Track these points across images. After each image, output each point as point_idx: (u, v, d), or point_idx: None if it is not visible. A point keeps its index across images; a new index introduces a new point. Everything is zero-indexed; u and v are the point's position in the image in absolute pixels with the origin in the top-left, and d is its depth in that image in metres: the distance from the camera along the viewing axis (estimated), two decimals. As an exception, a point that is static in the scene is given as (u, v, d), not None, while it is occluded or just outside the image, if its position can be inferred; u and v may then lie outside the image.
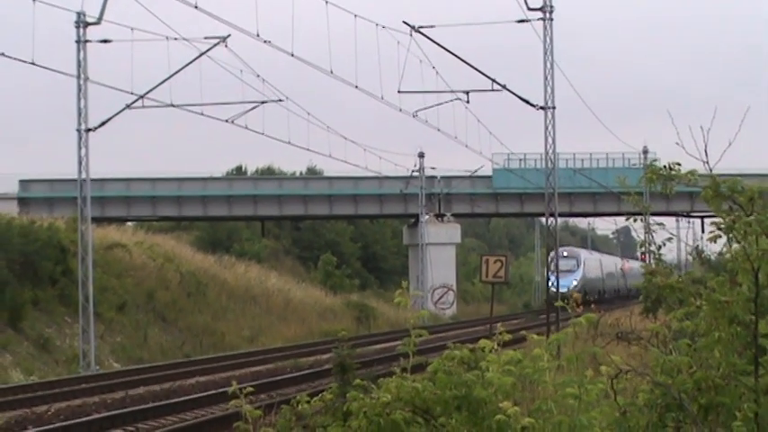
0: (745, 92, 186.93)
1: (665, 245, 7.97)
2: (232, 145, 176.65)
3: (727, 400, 6.56)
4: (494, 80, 40.88)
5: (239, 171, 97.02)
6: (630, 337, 18.60)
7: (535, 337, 6.74)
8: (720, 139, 7.68)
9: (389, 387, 6.54)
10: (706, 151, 7.30)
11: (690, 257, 71.68)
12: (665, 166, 7.22)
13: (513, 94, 40.70)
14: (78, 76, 37.42)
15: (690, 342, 6.90)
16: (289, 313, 58.72)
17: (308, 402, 8.45)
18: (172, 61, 38.71)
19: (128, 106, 38.75)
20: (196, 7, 31.99)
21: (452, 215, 76.65)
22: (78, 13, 37.25)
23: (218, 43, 37.32)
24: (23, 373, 35.04)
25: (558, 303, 7.16)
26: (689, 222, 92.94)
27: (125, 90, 38.02)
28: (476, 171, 72.01)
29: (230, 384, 7.80)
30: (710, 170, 7.21)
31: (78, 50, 37.29)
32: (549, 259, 42.86)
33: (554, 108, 39.98)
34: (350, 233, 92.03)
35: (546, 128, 40.07)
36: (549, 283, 42.30)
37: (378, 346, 42.46)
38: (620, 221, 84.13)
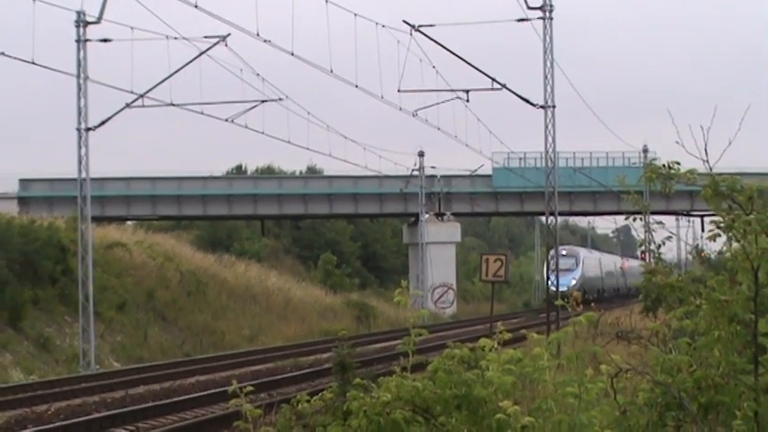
0: (745, 92, 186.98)
1: (664, 244, 7.98)
2: (232, 144, 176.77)
3: (727, 398, 6.56)
4: (494, 79, 40.91)
5: (239, 170, 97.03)
6: (630, 336, 18.60)
7: (535, 336, 6.75)
8: (720, 139, 7.69)
9: (389, 386, 6.54)
10: (706, 150, 7.30)
11: (690, 256, 71.74)
12: (664, 165, 7.22)
13: (513, 93, 40.74)
14: (78, 76, 37.42)
15: (690, 341, 6.91)
16: (289, 312, 58.73)
17: (308, 401, 8.45)
18: (172, 60, 38.78)
19: (128, 105, 38.75)
20: (196, 6, 32.00)
21: (452, 214, 76.64)
22: (78, 13, 37.25)
23: (217, 42, 37.33)
24: (23, 373, 35.05)
25: (559, 302, 7.16)
26: (689, 221, 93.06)
27: (125, 89, 38.07)
28: (476, 170, 72.02)
29: (230, 383, 7.80)
30: (710, 169, 7.21)
31: (78, 50, 37.29)
32: (549, 258, 42.85)
33: (554, 107, 40.00)
34: (350, 232, 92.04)
35: (546, 127, 40.09)
36: (548, 282, 42.28)
37: (378, 346, 42.48)
38: (620, 220, 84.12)
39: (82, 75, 37.38)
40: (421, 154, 71.50)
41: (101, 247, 48.31)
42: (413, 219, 76.15)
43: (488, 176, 75.40)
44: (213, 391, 26.64)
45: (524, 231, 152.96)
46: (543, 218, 47.71)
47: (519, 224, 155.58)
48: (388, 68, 40.46)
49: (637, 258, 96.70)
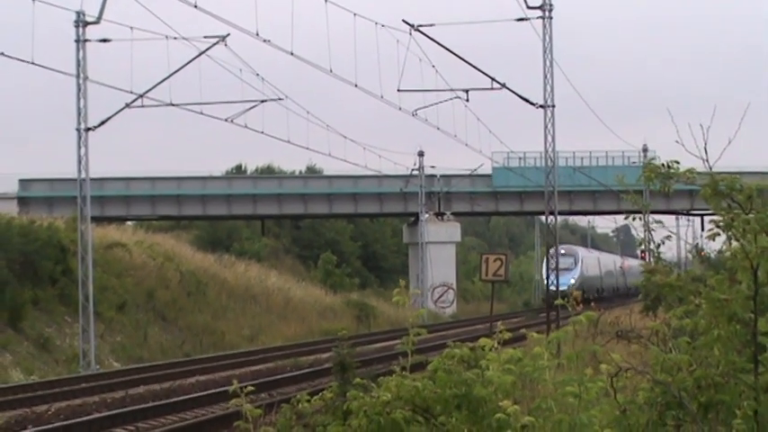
0: (745, 91, 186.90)
1: (664, 243, 7.98)
2: (232, 144, 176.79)
3: (726, 397, 6.56)
4: (493, 79, 40.92)
5: (239, 170, 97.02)
6: (630, 336, 18.59)
7: (535, 335, 6.75)
8: (720, 138, 7.70)
9: (389, 386, 6.55)
10: (706, 149, 7.31)
11: (690, 255, 71.73)
12: (663, 165, 7.23)
13: (513, 92, 40.74)
14: (78, 76, 37.42)
15: (689, 340, 6.91)
16: (289, 312, 58.73)
17: (309, 401, 8.46)
18: (171, 60, 38.78)
19: (127, 105, 38.75)
20: (196, 6, 32.00)
21: (452, 214, 76.63)
22: (78, 13, 37.24)
23: (217, 42, 37.33)
24: (23, 373, 35.05)
25: (559, 302, 7.17)
26: (689, 220, 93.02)
27: (124, 89, 38.06)
28: (475, 169, 72.00)
29: (230, 383, 7.81)
30: (710, 168, 7.22)
31: (78, 50, 37.29)
32: (548, 257, 42.86)
33: (554, 106, 40.01)
34: (350, 232, 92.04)
35: (546, 126, 40.10)
36: (547, 282, 42.29)
37: (378, 345, 42.48)
38: (620, 220, 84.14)
39: (81, 75, 37.38)
40: (421, 153, 71.52)
41: (101, 247, 48.31)
42: (413, 218, 76.15)
43: (488, 176, 75.39)
44: (213, 391, 26.65)
45: (524, 231, 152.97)
46: (543, 217, 47.72)
47: (519, 224, 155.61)
48: (388, 68, 40.48)
49: (637, 258, 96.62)
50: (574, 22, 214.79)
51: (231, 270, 61.32)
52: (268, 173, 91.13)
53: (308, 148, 50.70)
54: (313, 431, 8.87)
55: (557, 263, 41.90)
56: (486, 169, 72.86)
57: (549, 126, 40.04)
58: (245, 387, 7.73)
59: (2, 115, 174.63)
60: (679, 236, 74.80)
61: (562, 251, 73.06)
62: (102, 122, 38.41)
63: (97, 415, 23.46)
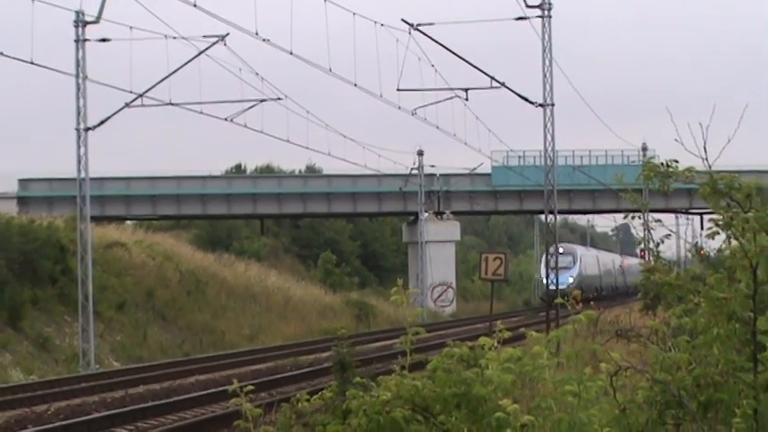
0: (745, 91, 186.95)
1: (663, 242, 7.99)
2: (231, 143, 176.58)
3: (726, 396, 6.56)
4: (493, 78, 40.94)
5: (238, 169, 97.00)
6: (630, 335, 18.61)
7: (534, 334, 6.75)
8: (720, 137, 7.70)
9: (389, 385, 6.55)
10: (705, 148, 7.31)
11: (689, 254, 71.74)
12: (662, 164, 7.23)
13: (512, 91, 40.77)
14: (77, 75, 37.42)
15: (689, 339, 6.92)
16: (288, 311, 58.73)
17: (308, 400, 8.46)
18: (171, 60, 38.76)
19: (127, 105, 38.76)
20: (195, 6, 32.00)
21: (452, 213, 76.62)
22: (77, 12, 37.24)
23: (216, 42, 37.34)
24: (23, 373, 35.05)
25: (558, 300, 7.17)
26: (688, 219, 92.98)
27: (124, 89, 38.06)
28: (475, 169, 72.02)
29: (230, 383, 7.81)
30: (709, 167, 7.22)
31: (77, 49, 37.29)
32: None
33: (553, 105, 40.03)
34: (349, 231, 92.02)
35: (545, 125, 40.11)
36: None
37: (377, 344, 42.48)
38: (620, 218, 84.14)
39: (81, 74, 37.38)
40: (420, 153, 71.52)
41: (100, 246, 48.30)
42: (412, 217, 76.15)
43: (487, 175, 75.39)
44: (213, 390, 26.66)
45: (524, 230, 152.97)
46: (542, 216, 47.72)
47: (518, 222, 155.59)
48: (387, 67, 40.48)
49: (636, 256, 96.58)
50: (574, 21, 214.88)
51: (231, 269, 61.33)
52: (267, 172, 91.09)
53: (307, 148, 50.73)
54: (313, 430, 8.87)
55: (556, 262, 41.91)
56: (486, 168, 72.88)
57: (549, 125, 40.05)
58: (245, 386, 7.73)
59: (1, 115, 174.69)
60: (678, 234, 74.80)
61: (560, 250, 73.07)
62: (102, 122, 38.41)
63: (97, 414, 23.46)
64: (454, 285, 75.61)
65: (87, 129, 37.82)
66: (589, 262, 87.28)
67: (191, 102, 41.38)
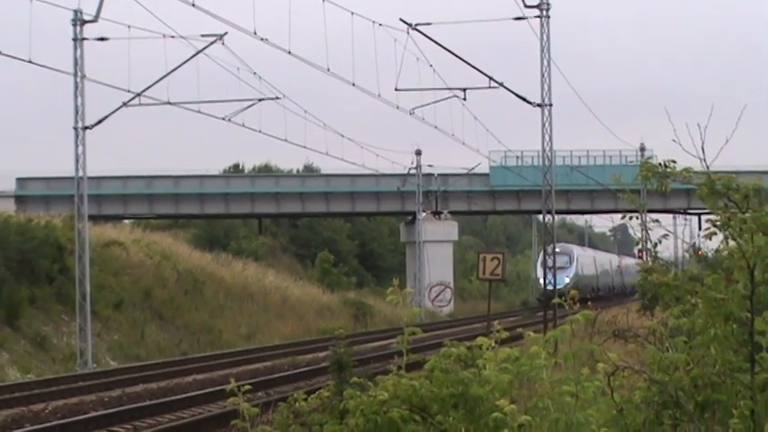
0: (745, 91, 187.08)
1: (661, 242, 7.99)
2: (229, 143, 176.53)
3: (723, 397, 6.57)
4: (491, 78, 40.95)
5: (236, 169, 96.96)
6: (627, 335, 18.62)
7: (532, 334, 6.75)
8: (719, 138, 7.70)
9: (386, 385, 6.55)
10: (703, 148, 7.31)
11: (687, 254, 71.72)
12: (660, 164, 7.23)
13: (510, 91, 40.77)
14: (75, 74, 37.41)
15: (686, 339, 6.92)
16: (286, 311, 58.73)
17: (306, 400, 8.46)
18: (169, 59, 38.60)
19: (125, 104, 38.76)
20: (193, 5, 31.99)
21: (450, 212, 76.62)
22: (75, 11, 37.23)
23: (215, 41, 37.34)
24: (20, 372, 35.04)
25: (556, 300, 7.17)
26: (686, 219, 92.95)
27: (122, 88, 38.04)
28: (473, 168, 72.03)
29: (227, 382, 7.81)
30: (707, 167, 7.22)
31: (75, 48, 37.28)
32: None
33: (551, 105, 40.03)
34: (347, 231, 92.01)
35: (543, 125, 40.11)
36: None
37: (375, 344, 42.48)
38: (617, 219, 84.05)
39: (79, 73, 37.37)
40: (418, 152, 71.52)
41: (98, 245, 48.28)
42: (410, 217, 76.16)
43: (485, 175, 75.40)
44: (210, 389, 26.65)
45: (521, 230, 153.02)
46: (540, 216, 47.72)
47: (516, 222, 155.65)
48: (386, 67, 40.50)
49: (634, 257, 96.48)
50: (574, 21, 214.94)
51: (228, 269, 61.31)
52: (265, 172, 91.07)
53: (305, 147, 50.72)
54: (310, 430, 8.87)
55: (554, 262, 41.90)
56: (484, 168, 72.88)
57: (547, 125, 40.05)
58: (243, 386, 7.73)
59: (0, 114, 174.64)
60: (676, 235, 74.70)
61: (557, 250, 73.06)
62: (100, 121, 38.40)
63: (94, 413, 23.46)
64: (452, 285, 75.60)
65: (85, 128, 37.81)
66: (586, 262, 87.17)
67: (189, 101, 41.41)
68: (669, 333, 7.26)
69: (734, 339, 6.68)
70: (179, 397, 25.97)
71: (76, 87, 37.45)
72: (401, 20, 39.11)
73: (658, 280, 7.27)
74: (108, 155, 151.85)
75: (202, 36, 37.77)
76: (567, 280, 73.98)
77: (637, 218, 8.19)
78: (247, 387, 7.79)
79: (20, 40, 41.39)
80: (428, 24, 39.66)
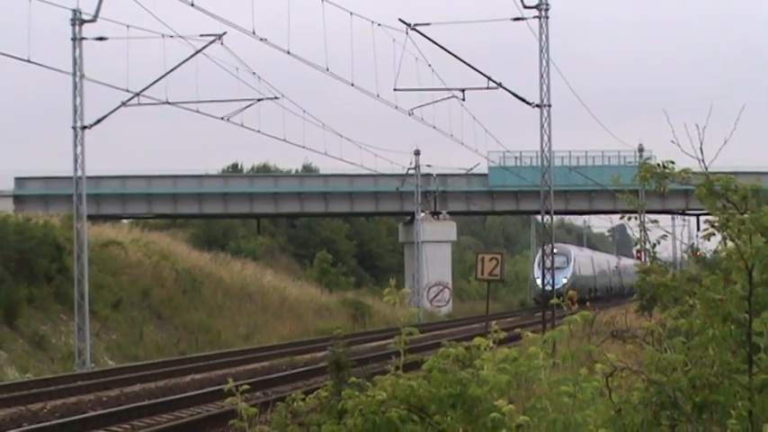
0: (746, 91, 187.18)
1: (659, 243, 7.99)
2: (228, 142, 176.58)
3: (721, 398, 6.57)
4: (489, 78, 40.95)
5: (235, 168, 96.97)
6: (625, 336, 18.64)
7: (530, 335, 6.75)
8: (718, 138, 7.70)
9: (384, 385, 6.55)
10: (701, 149, 7.31)
11: (685, 255, 71.72)
12: (658, 165, 7.24)
13: (509, 91, 40.76)
14: (74, 74, 37.41)
15: (684, 340, 6.92)
16: (284, 311, 58.73)
17: (304, 400, 8.46)
18: (167, 59, 38.59)
19: (123, 104, 38.75)
20: (192, 5, 31.99)
21: (448, 213, 76.60)
22: (74, 11, 37.23)
23: (213, 41, 37.34)
24: (19, 371, 35.03)
25: (554, 301, 7.16)
26: (684, 220, 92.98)
27: (121, 87, 38.02)
28: (471, 169, 72.01)
29: (226, 382, 7.80)
30: (706, 168, 7.22)
31: (74, 48, 37.28)
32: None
33: (550, 106, 40.03)
34: (345, 231, 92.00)
35: (542, 126, 40.10)
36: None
37: (373, 344, 42.47)
38: (616, 219, 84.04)
39: (78, 73, 37.37)
40: (417, 152, 71.53)
41: (96, 245, 48.27)
42: (408, 217, 76.14)
43: (484, 175, 75.40)
44: (209, 389, 26.64)
45: (520, 230, 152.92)
46: (539, 217, 47.73)
47: (515, 223, 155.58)
48: (384, 67, 40.65)
49: (632, 257, 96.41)
50: (574, 21, 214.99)
51: (227, 268, 61.31)
52: (264, 171, 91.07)
53: (304, 147, 50.72)
54: (308, 430, 8.87)
55: (552, 262, 41.89)
56: (483, 168, 72.86)
57: (546, 125, 40.05)
58: (241, 386, 7.73)
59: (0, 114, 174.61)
60: (674, 236, 74.71)
61: (554, 250, 72.95)
62: (99, 120, 38.39)
63: (92, 413, 23.45)
64: (450, 285, 75.60)
65: (84, 127, 37.80)
66: (583, 262, 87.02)
67: (187, 101, 41.38)
68: (667, 334, 7.26)
69: (732, 340, 6.68)
70: (177, 397, 25.96)
71: (75, 87, 37.46)
72: (400, 20, 39.14)
73: (657, 281, 7.27)
74: (107, 154, 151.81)
75: (201, 36, 37.80)
76: (565, 280, 73.82)
77: (635, 218, 8.20)
78: (245, 387, 7.78)
79: (19, 40, 41.44)
80: (427, 25, 39.68)
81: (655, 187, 7.30)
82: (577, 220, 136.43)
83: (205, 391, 26.52)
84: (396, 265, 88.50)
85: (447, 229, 76.16)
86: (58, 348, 39.54)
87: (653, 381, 6.66)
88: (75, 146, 37.82)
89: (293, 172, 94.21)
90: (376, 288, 78.81)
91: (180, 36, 37.28)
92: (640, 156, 67.54)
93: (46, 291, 42.56)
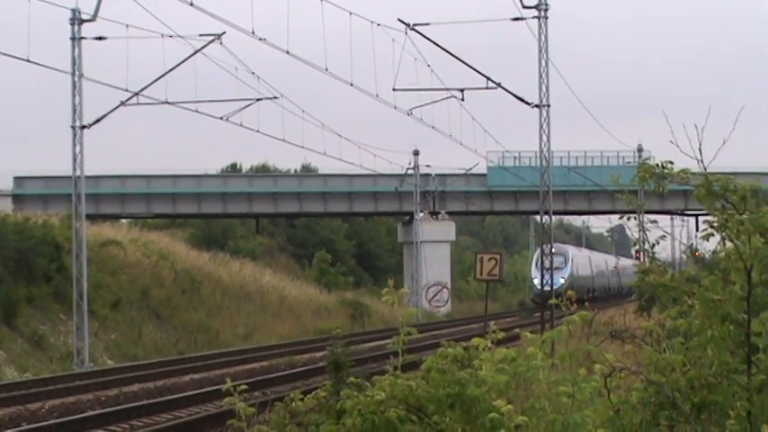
0: (745, 91, 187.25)
1: (658, 243, 7.99)
2: (227, 142, 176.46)
3: (720, 398, 6.57)
4: (489, 78, 40.94)
5: (234, 168, 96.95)
6: (624, 336, 18.63)
7: (529, 335, 6.75)
8: (718, 138, 7.70)
9: (383, 385, 6.55)
10: (700, 150, 7.31)
11: (684, 256, 71.70)
12: (657, 165, 7.23)
13: (508, 92, 40.76)
14: (73, 73, 37.40)
15: (683, 341, 6.92)
16: (283, 311, 58.71)
17: (302, 400, 8.46)
18: (167, 58, 38.58)
19: (122, 103, 38.74)
20: (191, 5, 31.99)
21: (447, 213, 76.61)
22: (73, 11, 37.23)
23: (213, 40, 37.33)
24: (17, 371, 35.03)
25: (553, 301, 7.16)
26: (683, 221, 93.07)
27: (120, 87, 38.02)
28: (470, 169, 72.02)
29: (225, 382, 7.80)
30: (704, 168, 7.22)
31: (73, 47, 37.28)
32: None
33: (549, 106, 40.02)
34: (344, 231, 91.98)
35: (541, 126, 40.10)
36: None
37: (372, 344, 42.47)
38: (615, 219, 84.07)
39: (77, 72, 37.36)
40: (416, 152, 71.54)
41: (95, 244, 48.26)
42: (407, 217, 76.15)
43: (483, 175, 75.40)
44: (207, 389, 26.64)
45: (519, 230, 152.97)
46: (538, 217, 47.73)
47: (514, 223, 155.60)
48: (383, 67, 40.72)
49: (631, 257, 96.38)
50: (573, 21, 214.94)
51: (226, 268, 61.29)
52: (263, 171, 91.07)
53: (303, 147, 50.71)
54: (306, 430, 8.87)
55: (551, 262, 41.90)
56: (481, 169, 72.87)
57: (545, 126, 40.05)
58: (239, 385, 7.72)
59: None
60: (673, 236, 74.86)
61: (552, 250, 72.81)
62: (98, 120, 38.39)
63: (91, 413, 23.45)
64: (449, 286, 75.61)
65: (83, 127, 37.80)
66: (581, 263, 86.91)
67: (186, 100, 41.38)
68: (666, 334, 7.26)
69: (731, 341, 6.68)
70: (176, 396, 25.96)
71: (74, 86, 37.45)
72: (399, 20, 39.13)
73: (655, 281, 7.27)
74: (106, 154, 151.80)
75: (200, 35, 37.80)
76: (562, 280, 73.68)
77: (634, 219, 8.20)
78: (244, 387, 7.78)
79: (18, 39, 41.42)
80: (426, 25, 39.67)
81: (654, 187, 7.30)
82: (576, 221, 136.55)
83: (204, 390, 26.52)
84: (395, 264, 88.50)
85: (446, 229, 76.17)
86: (57, 348, 39.53)
87: (651, 381, 6.66)
88: (74, 145, 37.82)
89: (292, 172, 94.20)
90: (375, 288, 78.81)
91: (179, 36, 37.31)
92: (639, 156, 67.57)
93: (45, 290, 42.56)
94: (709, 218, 6.93)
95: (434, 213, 75.65)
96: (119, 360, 40.76)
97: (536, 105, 40.02)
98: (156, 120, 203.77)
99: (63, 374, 33.16)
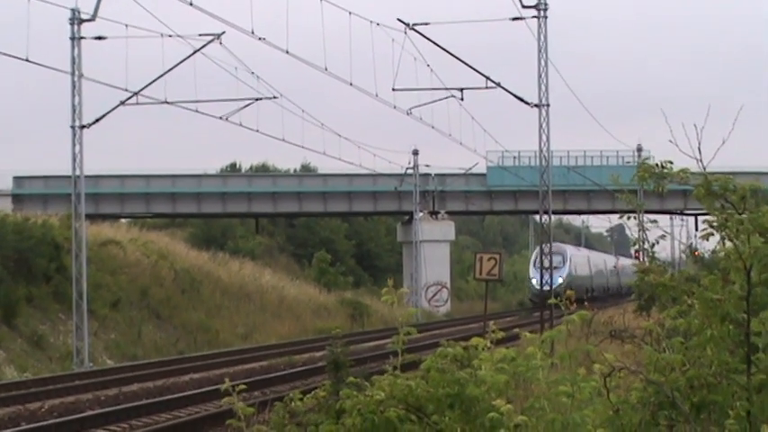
0: (745, 91, 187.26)
1: (658, 243, 8.00)
2: (226, 142, 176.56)
3: (719, 398, 6.56)
4: (488, 78, 40.97)
5: (233, 168, 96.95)
6: (624, 336, 18.62)
7: (528, 334, 6.74)
8: (717, 138, 7.70)
9: (383, 385, 6.54)
10: (699, 149, 7.31)
11: (683, 255, 71.71)
12: (657, 165, 7.23)
13: (508, 91, 40.78)
14: (73, 73, 37.40)
15: (683, 340, 6.91)
16: (283, 310, 58.71)
17: (302, 400, 8.46)
18: (166, 58, 38.60)
19: (122, 103, 38.75)
20: (191, 4, 32.00)
21: (447, 212, 76.61)
22: (73, 10, 37.23)
23: (212, 40, 37.33)
24: (17, 370, 35.02)
25: (552, 301, 7.16)
26: (682, 220, 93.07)
27: (119, 87, 38.04)
28: (470, 168, 72.01)
29: (224, 382, 7.80)
30: (704, 168, 7.22)
31: (73, 47, 37.28)
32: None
33: (548, 106, 40.05)
34: (344, 230, 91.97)
35: (540, 125, 40.12)
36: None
37: (372, 344, 42.49)
38: (615, 219, 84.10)
39: (76, 72, 37.36)
40: (415, 152, 71.54)
41: (95, 244, 48.25)
42: (407, 217, 76.15)
43: (483, 175, 75.39)
44: (207, 389, 26.64)
45: (518, 230, 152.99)
46: (537, 216, 47.75)
47: (513, 223, 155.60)
48: (383, 67, 40.68)
49: (630, 257, 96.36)
50: (573, 21, 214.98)
51: (225, 268, 61.30)
52: (263, 171, 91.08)
53: (302, 147, 50.89)
54: (306, 430, 8.87)
55: (550, 262, 41.92)
56: (481, 168, 72.87)
57: (544, 125, 40.07)
58: (238, 385, 7.72)
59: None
60: (673, 236, 74.89)
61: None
62: (97, 120, 38.40)
63: (90, 412, 23.46)
64: (449, 285, 75.60)
65: (82, 126, 37.80)
66: (579, 262, 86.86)
67: (186, 100, 41.40)
68: (666, 334, 7.25)
69: (730, 340, 6.67)
70: (175, 396, 25.97)
71: (74, 86, 37.45)
72: (399, 20, 39.15)
73: (655, 280, 7.27)
74: (105, 154, 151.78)
75: (200, 35, 37.82)
76: (561, 280, 73.59)
77: (634, 218, 8.20)
78: (243, 387, 7.77)
79: (17, 39, 41.39)
80: (426, 24, 39.70)
81: (653, 187, 7.29)
82: (576, 220, 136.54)
83: (203, 390, 26.53)
84: (394, 264, 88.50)
85: (445, 229, 76.17)
86: (57, 348, 39.53)
87: (651, 381, 6.66)
88: (74, 145, 37.82)
89: (292, 171, 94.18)
90: (374, 288, 78.77)
91: (179, 35, 37.33)
92: (639, 156, 67.53)
93: (44, 290, 42.56)
94: (708, 217, 6.93)
95: (434, 213, 75.66)
96: (118, 360, 40.76)
97: (536, 105, 40.04)
98: (156, 119, 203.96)
99: (62, 374, 33.15)
